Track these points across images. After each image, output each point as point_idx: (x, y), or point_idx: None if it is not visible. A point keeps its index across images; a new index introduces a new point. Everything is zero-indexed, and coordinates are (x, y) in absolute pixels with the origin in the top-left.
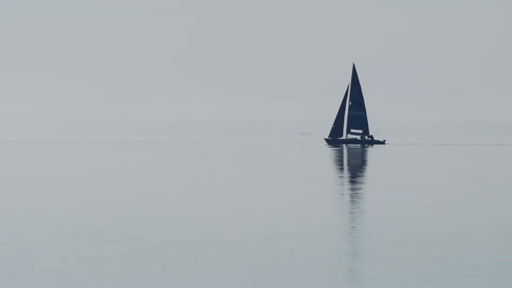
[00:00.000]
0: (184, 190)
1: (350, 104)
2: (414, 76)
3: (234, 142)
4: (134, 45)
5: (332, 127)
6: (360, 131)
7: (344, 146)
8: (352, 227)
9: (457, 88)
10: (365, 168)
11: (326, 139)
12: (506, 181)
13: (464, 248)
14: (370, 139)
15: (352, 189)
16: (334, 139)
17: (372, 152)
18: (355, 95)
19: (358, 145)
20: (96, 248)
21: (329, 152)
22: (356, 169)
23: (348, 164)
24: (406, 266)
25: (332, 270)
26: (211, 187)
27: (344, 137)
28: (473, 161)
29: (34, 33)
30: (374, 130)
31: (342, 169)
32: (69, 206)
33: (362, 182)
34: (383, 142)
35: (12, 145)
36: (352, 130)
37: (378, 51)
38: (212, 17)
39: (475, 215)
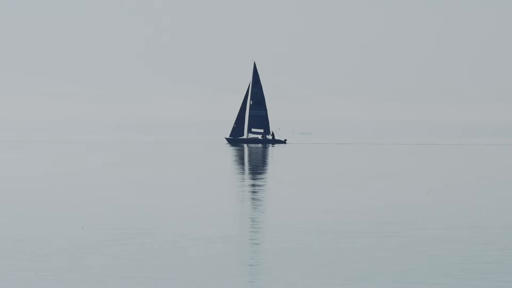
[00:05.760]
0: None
1: (251, 103)
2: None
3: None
4: (110, 45)
5: (233, 126)
6: (261, 131)
7: (245, 145)
8: (252, 230)
9: (388, 87)
10: (265, 168)
11: (227, 139)
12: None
13: (357, 244)
14: (271, 138)
15: (252, 191)
16: (235, 138)
17: (273, 151)
18: (255, 94)
19: (259, 144)
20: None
21: (230, 152)
22: (256, 168)
23: (249, 164)
24: (310, 265)
25: (233, 275)
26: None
27: (245, 136)
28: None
29: (18, 34)
30: (276, 130)
31: (242, 168)
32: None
33: (261, 186)
34: (284, 142)
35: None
36: (253, 130)
37: (280, 48)
38: (191, 16)
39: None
